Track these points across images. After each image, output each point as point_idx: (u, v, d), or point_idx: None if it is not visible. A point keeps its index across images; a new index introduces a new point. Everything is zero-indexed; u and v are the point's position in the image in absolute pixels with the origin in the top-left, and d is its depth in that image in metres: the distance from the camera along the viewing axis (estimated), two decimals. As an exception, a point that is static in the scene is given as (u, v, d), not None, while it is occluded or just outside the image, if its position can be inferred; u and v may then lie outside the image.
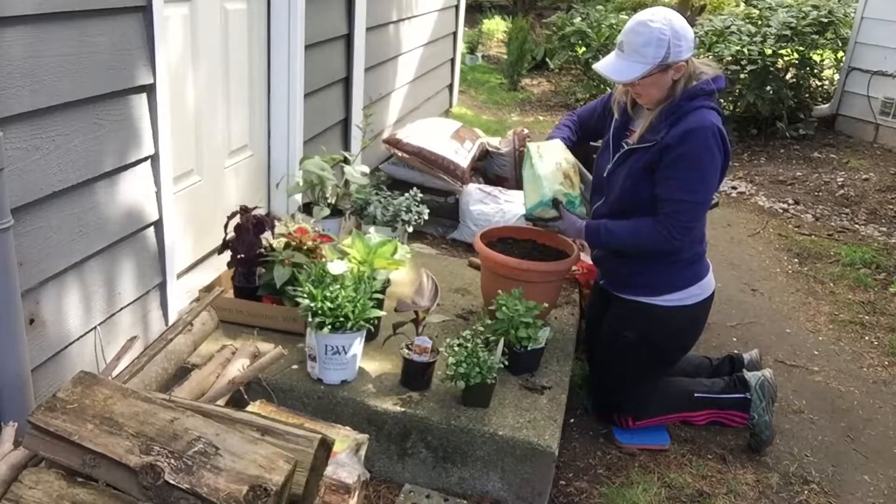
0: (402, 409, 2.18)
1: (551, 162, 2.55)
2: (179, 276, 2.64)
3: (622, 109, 2.50)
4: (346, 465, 1.79)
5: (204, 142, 2.83)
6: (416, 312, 2.33)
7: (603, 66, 2.34)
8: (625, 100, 2.49)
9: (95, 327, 2.15)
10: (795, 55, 6.42)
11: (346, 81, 3.81)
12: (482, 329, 2.35)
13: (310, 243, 2.55)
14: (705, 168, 2.28)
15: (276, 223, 2.68)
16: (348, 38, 3.74)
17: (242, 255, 2.53)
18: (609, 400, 2.63)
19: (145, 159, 2.25)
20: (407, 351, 2.27)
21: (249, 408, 2.03)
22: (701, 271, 2.49)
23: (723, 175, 2.36)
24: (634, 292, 2.49)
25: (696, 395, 2.60)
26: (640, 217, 2.38)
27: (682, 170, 2.28)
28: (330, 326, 2.13)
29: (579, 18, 8.50)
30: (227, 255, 2.56)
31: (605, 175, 2.51)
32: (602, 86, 7.56)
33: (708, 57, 6.29)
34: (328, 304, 2.15)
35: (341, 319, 2.15)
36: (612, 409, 2.61)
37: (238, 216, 2.55)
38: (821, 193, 5.41)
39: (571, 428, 2.64)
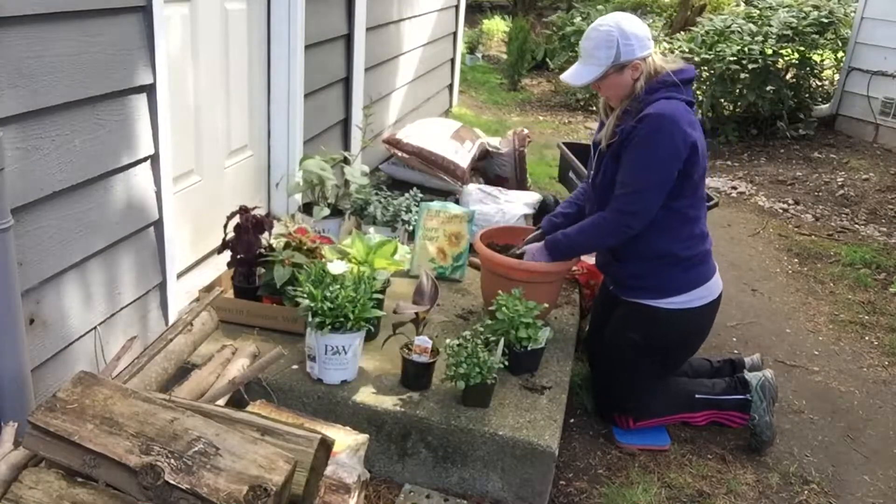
0: (402, 409, 2.18)
1: (430, 240, 3.01)
2: (179, 276, 2.64)
3: (600, 125, 2.56)
4: (346, 465, 1.79)
5: (204, 142, 2.83)
6: (416, 313, 2.33)
7: (566, 74, 2.46)
8: (606, 109, 2.55)
9: (95, 327, 2.15)
10: (796, 55, 6.42)
11: (346, 81, 3.81)
12: (482, 329, 2.35)
13: (310, 243, 2.55)
14: (653, 151, 2.30)
15: (276, 223, 2.68)
16: (348, 38, 3.75)
17: (242, 255, 2.53)
18: (611, 400, 2.63)
19: (145, 159, 2.25)
20: (407, 351, 2.27)
21: (249, 408, 2.03)
22: (706, 273, 2.48)
23: (694, 165, 2.33)
24: (640, 295, 2.49)
25: (696, 395, 2.60)
26: None
27: (632, 154, 2.32)
28: (330, 326, 2.13)
29: (579, 18, 8.51)
30: (227, 255, 2.56)
31: (591, 182, 2.55)
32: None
33: (709, 56, 6.30)
34: (328, 304, 2.14)
35: (341, 319, 2.15)
36: (614, 410, 2.61)
37: (238, 216, 2.55)
38: (821, 193, 5.41)
39: (571, 428, 2.64)
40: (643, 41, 2.34)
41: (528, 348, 2.37)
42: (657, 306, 2.46)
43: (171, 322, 2.47)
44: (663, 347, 2.51)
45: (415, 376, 2.27)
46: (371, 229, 3.04)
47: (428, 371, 2.27)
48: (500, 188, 3.94)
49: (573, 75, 2.43)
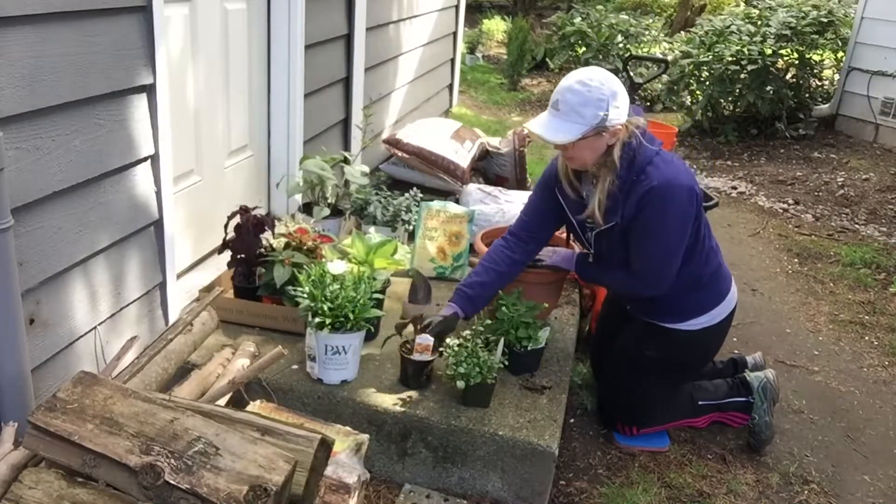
0: (402, 409, 2.18)
1: (431, 240, 3.03)
2: (179, 275, 2.64)
3: (568, 189, 2.34)
4: (346, 465, 1.79)
5: (204, 142, 2.83)
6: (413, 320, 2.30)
7: (538, 125, 2.17)
8: (568, 178, 2.33)
9: (96, 327, 2.15)
10: (795, 55, 6.42)
11: (346, 81, 3.81)
12: (482, 329, 2.35)
13: (310, 243, 2.55)
14: (670, 228, 2.20)
15: (276, 223, 2.68)
16: (348, 38, 3.75)
17: (242, 255, 2.53)
18: (617, 411, 2.60)
19: (145, 159, 2.25)
20: (406, 350, 2.27)
21: (249, 408, 2.03)
22: (721, 291, 2.42)
23: (697, 214, 2.26)
24: (658, 318, 2.42)
25: (700, 402, 2.58)
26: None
27: (648, 237, 2.21)
28: (330, 326, 2.13)
29: (579, 18, 8.51)
30: (227, 255, 2.56)
31: (591, 256, 2.43)
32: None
33: (708, 56, 6.30)
34: (328, 304, 2.14)
35: (341, 319, 2.15)
36: (617, 418, 2.58)
37: (238, 216, 2.55)
38: (821, 193, 5.41)
39: (571, 428, 2.64)
40: (626, 103, 2.15)
41: (528, 348, 2.37)
42: (675, 328, 2.39)
43: (171, 322, 2.47)
44: (679, 364, 2.46)
45: (415, 375, 2.26)
46: (371, 229, 3.04)
47: (427, 369, 2.27)
48: (500, 188, 3.93)
49: (549, 129, 2.14)
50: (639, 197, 2.16)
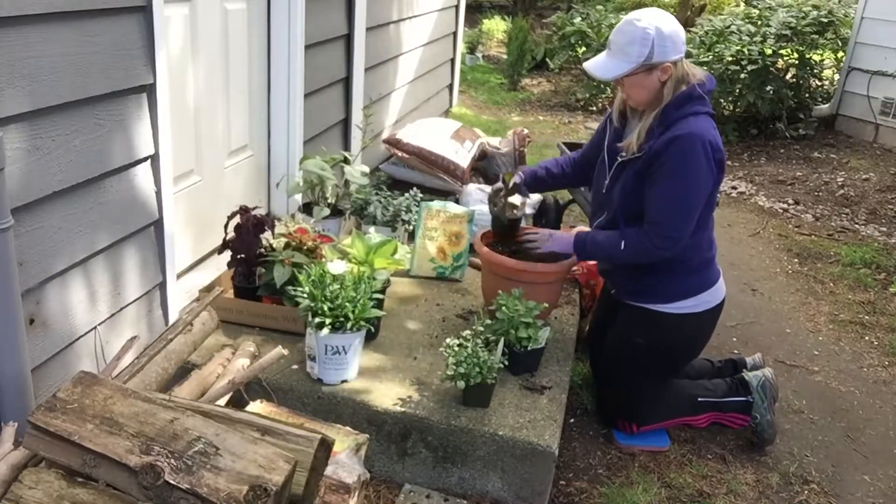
0: (402, 409, 2.18)
1: (431, 240, 3.03)
2: (179, 275, 2.64)
3: (617, 119, 2.48)
4: (346, 465, 1.79)
5: (204, 142, 2.83)
6: (503, 181, 2.67)
7: (590, 63, 2.37)
8: (621, 108, 2.48)
9: (96, 327, 2.15)
10: (795, 55, 6.43)
11: (346, 81, 3.81)
12: (482, 329, 2.35)
13: (310, 243, 2.55)
14: (689, 177, 2.24)
15: (276, 223, 2.68)
16: (348, 38, 3.75)
17: (242, 255, 2.53)
18: (615, 408, 2.61)
19: (145, 159, 2.25)
20: (513, 210, 2.64)
21: (249, 408, 2.03)
22: (710, 278, 2.45)
23: (717, 182, 2.32)
24: (643, 300, 2.46)
25: (699, 399, 2.58)
26: (633, 227, 2.36)
27: (665, 178, 2.25)
28: (330, 327, 2.13)
29: (579, 18, 8.52)
30: (227, 255, 2.56)
31: (603, 191, 2.48)
32: (602, 85, 7.57)
33: (708, 56, 6.30)
34: (328, 304, 2.15)
35: (341, 319, 2.15)
36: (618, 417, 2.59)
37: (238, 216, 2.55)
38: (821, 193, 5.41)
39: (571, 428, 2.64)
40: (678, 44, 2.25)
41: (528, 348, 2.37)
42: (661, 311, 2.43)
43: (171, 322, 2.47)
44: (667, 351, 2.48)
45: (511, 229, 2.68)
46: (371, 229, 3.04)
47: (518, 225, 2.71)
48: (500, 188, 3.93)
49: (600, 67, 2.33)
50: (672, 137, 2.24)
